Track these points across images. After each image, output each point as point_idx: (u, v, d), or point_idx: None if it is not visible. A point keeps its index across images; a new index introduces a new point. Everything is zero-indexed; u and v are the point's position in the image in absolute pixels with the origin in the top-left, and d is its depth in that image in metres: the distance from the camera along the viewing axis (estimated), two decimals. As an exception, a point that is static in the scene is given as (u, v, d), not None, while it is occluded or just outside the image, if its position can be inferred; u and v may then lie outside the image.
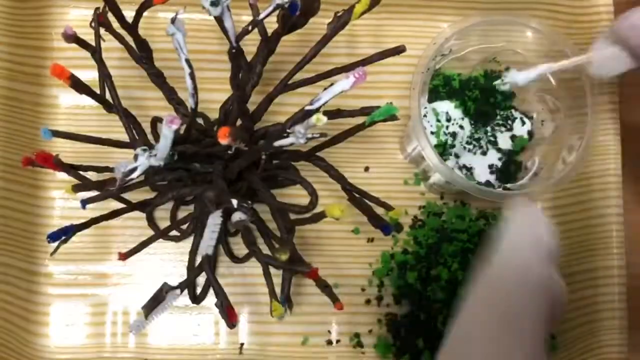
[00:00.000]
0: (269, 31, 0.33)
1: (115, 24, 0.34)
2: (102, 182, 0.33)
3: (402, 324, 0.41)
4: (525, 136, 0.42)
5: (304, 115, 0.32)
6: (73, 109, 0.43)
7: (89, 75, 0.43)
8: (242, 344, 0.41)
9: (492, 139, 0.42)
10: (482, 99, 0.42)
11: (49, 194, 0.42)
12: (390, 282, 0.42)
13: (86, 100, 0.43)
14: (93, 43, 0.34)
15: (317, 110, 0.32)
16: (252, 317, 0.42)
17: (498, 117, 0.42)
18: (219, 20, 0.30)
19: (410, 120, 0.38)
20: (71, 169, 0.34)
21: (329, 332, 0.42)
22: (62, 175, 0.42)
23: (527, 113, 0.43)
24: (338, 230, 0.42)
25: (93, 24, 0.33)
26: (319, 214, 0.32)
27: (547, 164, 0.41)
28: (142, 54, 0.34)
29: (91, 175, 0.35)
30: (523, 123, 0.42)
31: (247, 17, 0.31)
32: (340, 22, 0.32)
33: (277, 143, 0.32)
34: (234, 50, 0.32)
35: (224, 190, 0.32)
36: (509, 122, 0.42)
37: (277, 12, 0.30)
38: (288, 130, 0.31)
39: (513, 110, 0.42)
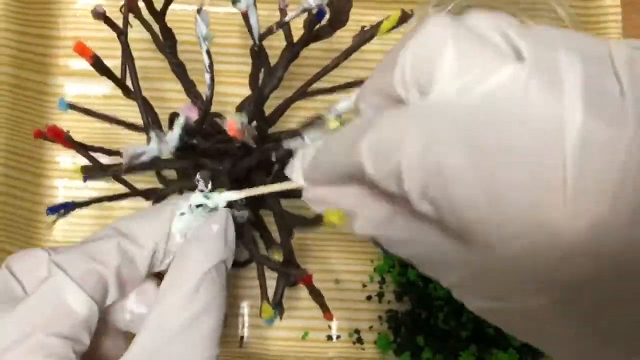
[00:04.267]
0: (295, 37, 0.33)
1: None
2: (111, 165, 0.33)
3: (403, 321, 0.41)
4: None
5: (319, 120, 0.33)
6: (78, 98, 0.43)
7: (95, 65, 0.43)
8: (242, 337, 0.41)
9: None
10: None
11: (52, 182, 0.42)
12: (391, 279, 0.42)
13: (92, 90, 0.43)
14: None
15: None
16: (252, 310, 0.42)
17: None
18: (245, 16, 0.30)
19: None
20: (81, 148, 0.33)
21: (329, 327, 0.42)
22: (66, 164, 0.42)
23: None
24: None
25: (123, 9, 0.33)
26: (316, 219, 0.31)
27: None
28: (166, 43, 0.35)
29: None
30: None
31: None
32: (365, 37, 0.32)
33: (286, 144, 0.32)
34: (256, 48, 0.32)
35: (223, 182, 0.32)
36: None
37: (304, 16, 0.30)
38: (302, 134, 0.32)
39: None
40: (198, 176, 0.30)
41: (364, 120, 0.23)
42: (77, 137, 0.33)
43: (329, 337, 0.41)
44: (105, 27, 0.43)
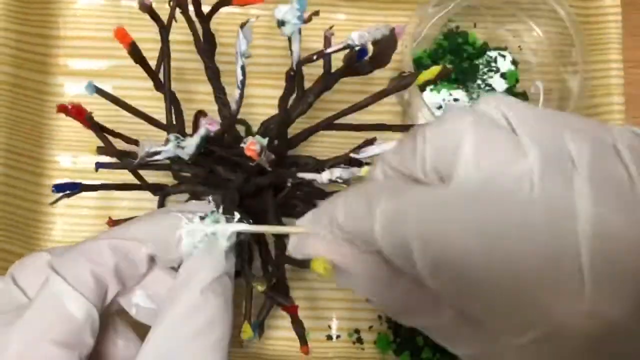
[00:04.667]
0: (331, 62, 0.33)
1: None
2: (126, 152, 0.33)
3: (403, 321, 0.41)
4: (512, 67, 0.43)
5: (347, 161, 0.33)
6: (78, 97, 0.43)
7: (93, 65, 0.43)
8: (242, 337, 0.41)
9: (487, 88, 0.42)
10: (457, 59, 0.42)
11: (52, 182, 0.42)
12: (391, 279, 0.42)
13: (91, 90, 0.43)
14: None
15: (360, 161, 0.32)
16: (252, 310, 0.42)
17: (480, 66, 0.43)
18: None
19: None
20: (99, 130, 0.33)
21: (329, 327, 0.42)
22: (65, 164, 0.42)
23: (499, 47, 0.44)
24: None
25: (171, 3, 0.33)
26: (305, 262, 0.31)
27: (553, 81, 0.42)
28: (207, 46, 0.34)
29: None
30: (503, 57, 0.43)
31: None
32: (402, 83, 0.32)
33: (301, 174, 0.32)
34: (292, 73, 0.32)
35: (233, 200, 0.32)
36: (492, 64, 0.43)
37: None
38: (326, 169, 0.32)
39: (488, 52, 0.43)
40: (210, 198, 0.30)
41: (383, 187, 0.23)
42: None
43: (329, 337, 0.41)
44: (104, 27, 0.43)
